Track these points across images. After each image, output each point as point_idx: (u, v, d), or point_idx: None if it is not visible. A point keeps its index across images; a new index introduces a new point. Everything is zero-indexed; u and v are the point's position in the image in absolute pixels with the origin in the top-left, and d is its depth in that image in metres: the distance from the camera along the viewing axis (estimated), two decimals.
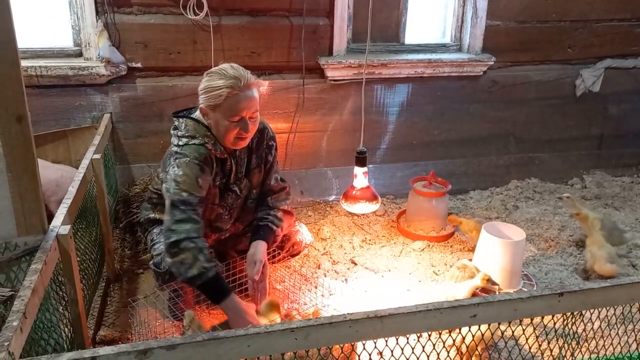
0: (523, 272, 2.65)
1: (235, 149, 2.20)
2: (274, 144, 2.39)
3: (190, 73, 3.09)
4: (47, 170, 2.63)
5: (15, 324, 1.19)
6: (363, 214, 3.24)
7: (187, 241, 1.97)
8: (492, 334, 1.47)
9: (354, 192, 2.97)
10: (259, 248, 2.25)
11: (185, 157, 2.09)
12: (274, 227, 2.35)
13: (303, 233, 2.61)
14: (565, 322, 1.53)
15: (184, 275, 1.97)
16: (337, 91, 3.36)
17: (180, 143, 2.14)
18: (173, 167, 2.10)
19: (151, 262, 2.30)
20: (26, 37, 2.83)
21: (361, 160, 2.92)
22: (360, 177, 2.94)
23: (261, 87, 2.14)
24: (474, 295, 2.44)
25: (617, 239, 2.84)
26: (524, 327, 1.45)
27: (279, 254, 2.52)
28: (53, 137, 2.86)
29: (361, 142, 2.99)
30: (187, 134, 2.14)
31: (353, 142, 3.34)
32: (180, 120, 2.18)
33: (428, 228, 3.11)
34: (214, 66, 3.01)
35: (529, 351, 2.04)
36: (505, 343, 1.56)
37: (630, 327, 1.74)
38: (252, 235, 2.33)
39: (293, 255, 2.62)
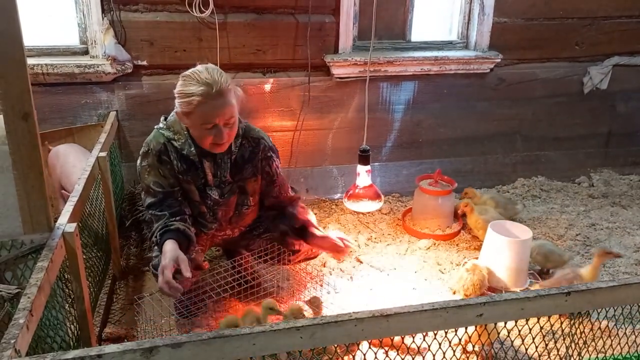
0: (530, 270, 2.64)
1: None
2: (273, 154, 2.29)
3: None
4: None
5: (21, 321, 1.20)
6: (367, 212, 3.23)
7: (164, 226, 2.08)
8: (499, 333, 1.46)
9: (356, 191, 2.96)
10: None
11: (147, 146, 2.13)
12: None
13: None
14: (572, 322, 1.52)
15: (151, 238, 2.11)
16: (342, 89, 3.35)
17: (156, 126, 2.17)
18: (140, 157, 2.16)
19: (151, 264, 2.28)
20: (32, 35, 2.84)
21: (364, 159, 2.91)
22: (364, 176, 2.94)
23: (237, 93, 2.05)
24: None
25: (511, 211, 3.17)
26: (531, 326, 1.44)
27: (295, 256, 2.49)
28: (59, 135, 2.87)
29: (364, 140, 2.98)
30: (165, 121, 2.15)
31: (359, 140, 3.33)
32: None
33: (434, 226, 3.10)
34: (219, 64, 3.04)
35: (536, 350, 2.03)
36: (512, 342, 1.55)
37: (638, 326, 1.72)
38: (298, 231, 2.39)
39: (309, 259, 2.59)
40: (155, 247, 2.12)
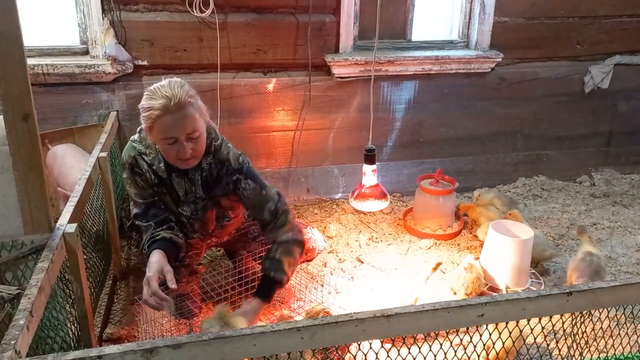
0: (531, 270, 2.63)
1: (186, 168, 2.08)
2: (240, 176, 2.12)
3: (197, 71, 3.09)
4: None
5: (22, 322, 1.19)
6: (371, 212, 3.23)
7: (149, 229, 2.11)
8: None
9: (362, 190, 2.96)
10: (252, 305, 2.11)
11: (122, 158, 2.12)
12: (276, 278, 2.14)
13: (316, 240, 2.59)
14: (573, 322, 1.52)
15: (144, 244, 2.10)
16: (343, 88, 3.35)
17: (132, 137, 2.14)
18: (121, 169, 2.16)
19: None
20: (33, 35, 2.84)
21: (370, 158, 2.91)
22: (369, 175, 2.94)
23: (200, 106, 1.98)
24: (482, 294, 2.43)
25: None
26: (532, 327, 1.44)
27: None
28: (60, 135, 2.87)
29: (370, 140, 2.98)
30: (140, 134, 2.11)
31: (360, 140, 3.33)
32: None
33: (435, 226, 3.10)
34: (220, 64, 3.05)
35: (537, 350, 2.03)
36: (513, 342, 1.55)
37: None
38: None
39: (306, 261, 2.58)
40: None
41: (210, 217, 2.23)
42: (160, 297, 1.85)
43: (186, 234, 2.24)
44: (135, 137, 2.13)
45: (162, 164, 2.07)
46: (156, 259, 1.95)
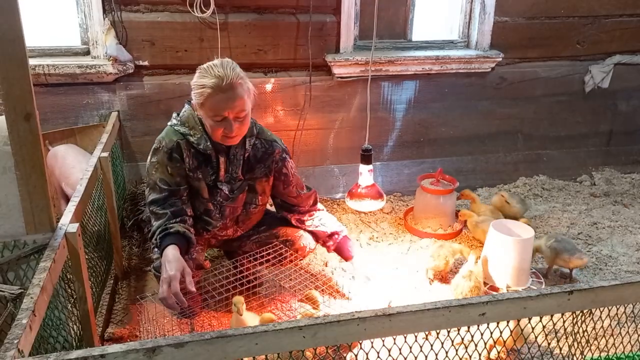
0: (532, 269, 2.63)
1: (229, 146, 2.16)
2: (287, 156, 2.34)
3: None
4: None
5: (24, 321, 1.20)
6: (369, 212, 3.23)
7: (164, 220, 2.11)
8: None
9: (359, 190, 2.97)
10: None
11: (159, 142, 2.15)
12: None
13: (307, 237, 2.58)
14: (574, 321, 1.52)
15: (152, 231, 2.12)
16: (344, 88, 3.35)
17: (169, 123, 2.18)
18: (150, 154, 2.18)
19: (152, 265, 2.28)
20: (34, 35, 2.84)
21: (366, 158, 2.92)
22: (366, 175, 2.94)
23: (249, 87, 2.07)
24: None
25: (524, 208, 3.23)
26: (533, 326, 1.44)
27: (285, 256, 2.48)
28: (61, 136, 2.87)
29: (366, 140, 2.98)
30: (178, 117, 2.17)
31: (360, 140, 3.33)
32: (186, 105, 2.21)
33: (435, 225, 3.10)
34: None
35: (539, 349, 2.03)
36: (514, 341, 1.55)
37: None
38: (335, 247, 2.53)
39: (296, 259, 2.58)
40: (156, 250, 2.12)
41: (241, 200, 2.30)
42: (180, 300, 1.86)
43: (209, 222, 2.27)
44: (174, 121, 2.17)
45: (209, 143, 2.13)
46: (175, 257, 1.96)
